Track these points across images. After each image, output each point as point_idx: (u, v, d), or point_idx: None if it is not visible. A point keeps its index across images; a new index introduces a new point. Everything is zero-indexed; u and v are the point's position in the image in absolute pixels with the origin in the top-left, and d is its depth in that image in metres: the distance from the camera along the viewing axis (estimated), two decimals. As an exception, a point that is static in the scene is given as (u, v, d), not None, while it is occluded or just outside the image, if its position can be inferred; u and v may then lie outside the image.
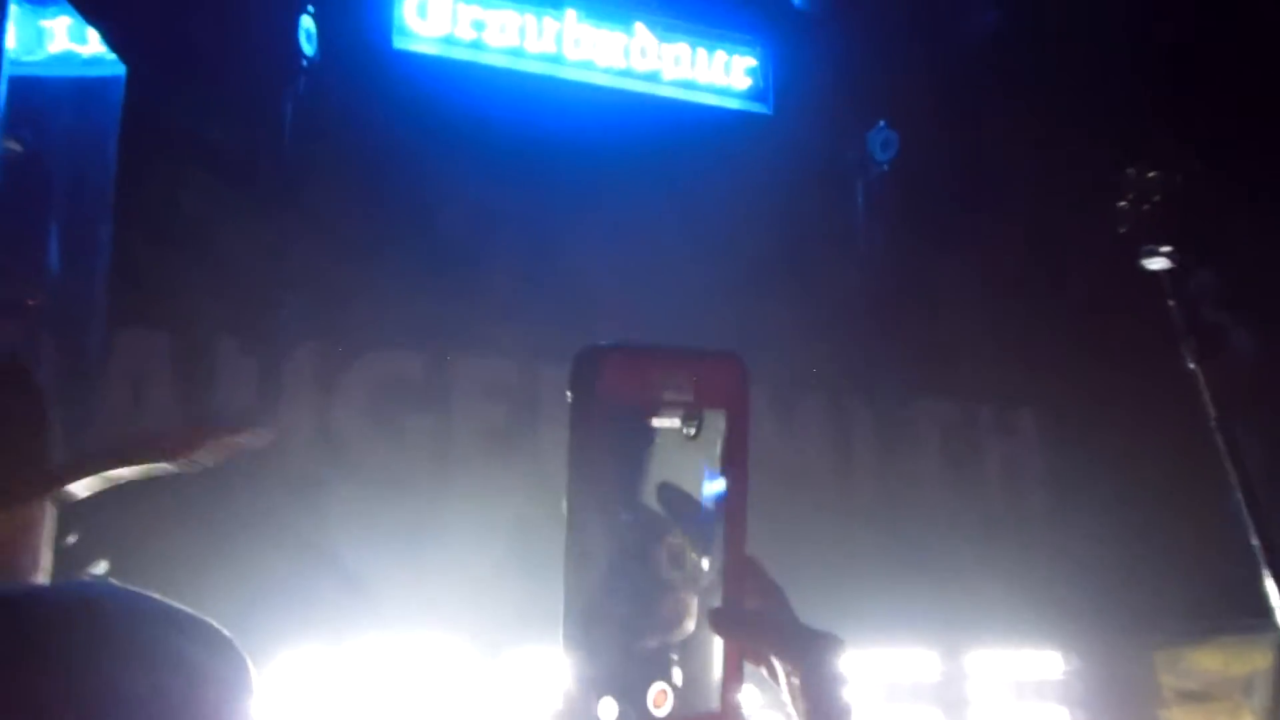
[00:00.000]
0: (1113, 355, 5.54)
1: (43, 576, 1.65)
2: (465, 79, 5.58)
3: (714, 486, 0.70)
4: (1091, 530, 5.29)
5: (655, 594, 0.67)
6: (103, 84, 4.80)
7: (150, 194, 4.46)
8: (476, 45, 5.69)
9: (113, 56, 4.80)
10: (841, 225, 6.17)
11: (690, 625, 0.68)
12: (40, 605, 0.84)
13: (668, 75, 6.11)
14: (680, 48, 6.14)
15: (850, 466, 5.82)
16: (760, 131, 6.18)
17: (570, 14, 5.87)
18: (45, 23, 5.24)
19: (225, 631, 0.87)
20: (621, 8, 6.01)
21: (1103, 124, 5.83)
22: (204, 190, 4.38)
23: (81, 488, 2.14)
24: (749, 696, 0.69)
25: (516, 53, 5.78)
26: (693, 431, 0.68)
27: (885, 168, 6.17)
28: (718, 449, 0.70)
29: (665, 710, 0.67)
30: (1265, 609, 2.16)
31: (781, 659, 0.69)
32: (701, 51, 6.19)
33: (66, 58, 5.20)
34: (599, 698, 0.64)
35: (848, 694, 0.71)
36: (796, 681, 0.69)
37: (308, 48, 4.87)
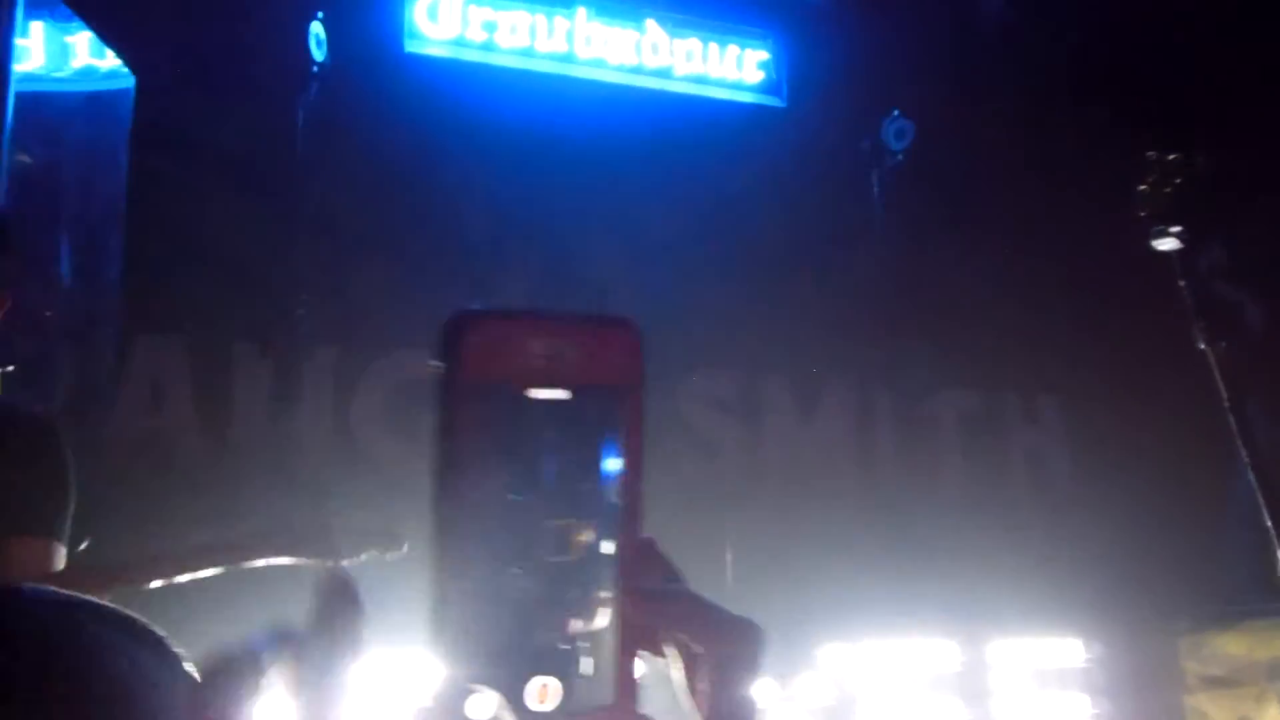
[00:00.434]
0: (1136, 343, 5.49)
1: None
2: (477, 80, 5.60)
3: (610, 464, 0.65)
4: (1114, 517, 5.25)
5: (540, 580, 0.64)
6: (114, 96, 4.86)
7: (163, 202, 4.51)
8: (488, 46, 5.71)
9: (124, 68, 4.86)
10: (858, 216, 6.15)
11: (592, 614, 0.65)
12: None
13: (680, 71, 6.11)
14: (692, 43, 6.13)
15: (872, 457, 5.80)
16: (774, 124, 6.17)
17: (581, 12, 5.88)
18: (69, 39, 5.32)
19: (157, 630, 0.87)
20: (632, 5, 6.02)
21: (1121, 108, 5.78)
22: (217, 197, 4.43)
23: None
24: (649, 687, 0.66)
25: (528, 53, 5.80)
26: (580, 405, 0.63)
27: (901, 157, 6.13)
28: (613, 423, 0.65)
29: (550, 705, 0.63)
30: (1284, 591, 2.14)
31: (698, 642, 0.65)
32: (713, 46, 6.18)
33: (88, 72, 5.28)
34: (469, 693, 0.61)
35: (758, 688, 0.67)
36: (708, 668, 0.64)
37: (318, 53, 4.91)
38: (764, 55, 6.26)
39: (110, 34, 4.83)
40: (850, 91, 6.09)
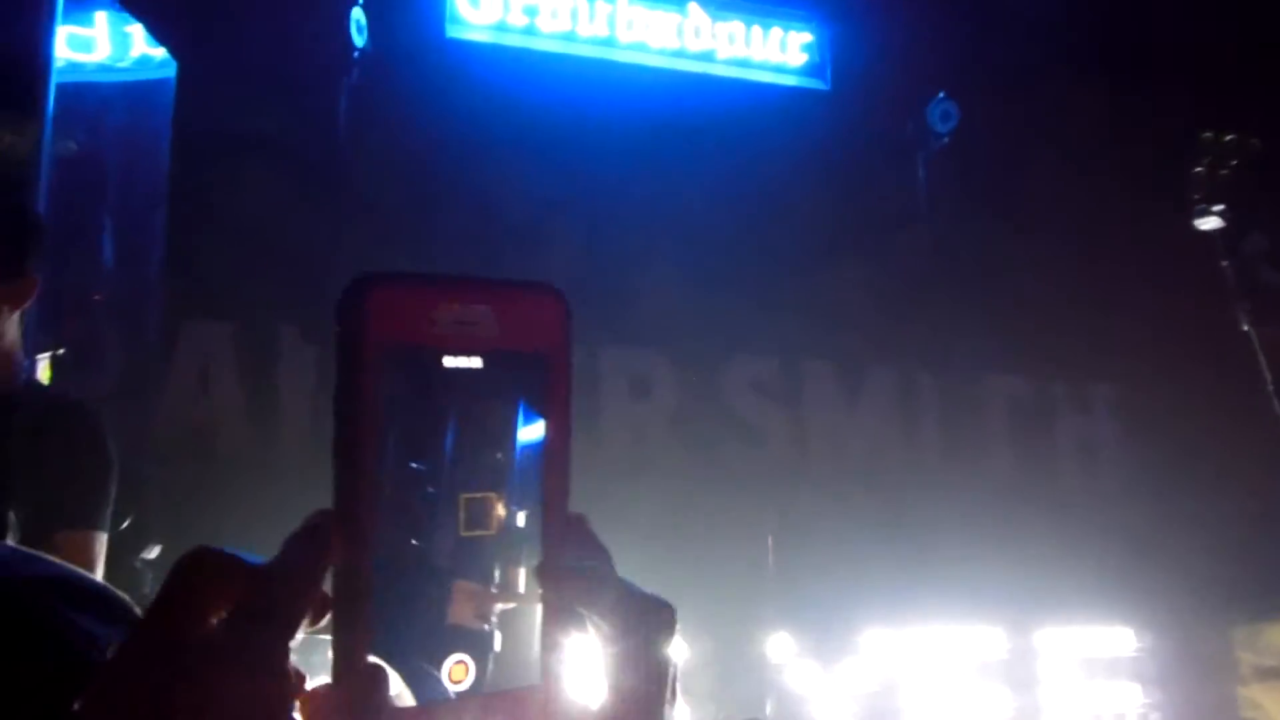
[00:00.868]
0: (1187, 331, 5.39)
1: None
2: (519, 65, 5.59)
3: (531, 433, 0.62)
4: (1167, 507, 5.16)
5: (451, 556, 0.60)
6: (157, 85, 4.90)
7: (207, 188, 4.55)
8: (529, 31, 5.70)
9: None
10: (903, 199, 6.08)
11: (510, 591, 0.63)
12: None
13: (722, 54, 6.07)
14: (734, 26, 6.09)
15: (918, 442, 5.75)
16: (819, 107, 6.11)
17: (622, -4, 5.86)
18: (128, 29, 5.36)
19: (132, 606, 0.83)
20: (674, -12, 5.99)
21: (1171, 90, 5.67)
22: (260, 182, 4.45)
23: None
24: (577, 665, 0.63)
25: (569, 37, 5.78)
26: (495, 373, 0.60)
27: (946, 139, 6.05)
28: (535, 391, 0.62)
29: (466, 684, 0.60)
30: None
31: (607, 621, 0.62)
32: (756, 29, 6.13)
33: (144, 62, 5.31)
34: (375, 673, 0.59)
35: (666, 672, 0.63)
36: (617, 649, 0.62)
37: (359, 39, 4.92)
38: (807, 38, 6.21)
39: (153, 21, 4.87)
40: (895, 74, 6.02)
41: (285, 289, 4.65)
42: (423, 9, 5.47)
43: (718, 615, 4.21)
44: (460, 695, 0.61)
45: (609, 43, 5.84)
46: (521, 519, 0.62)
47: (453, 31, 5.53)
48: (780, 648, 4.26)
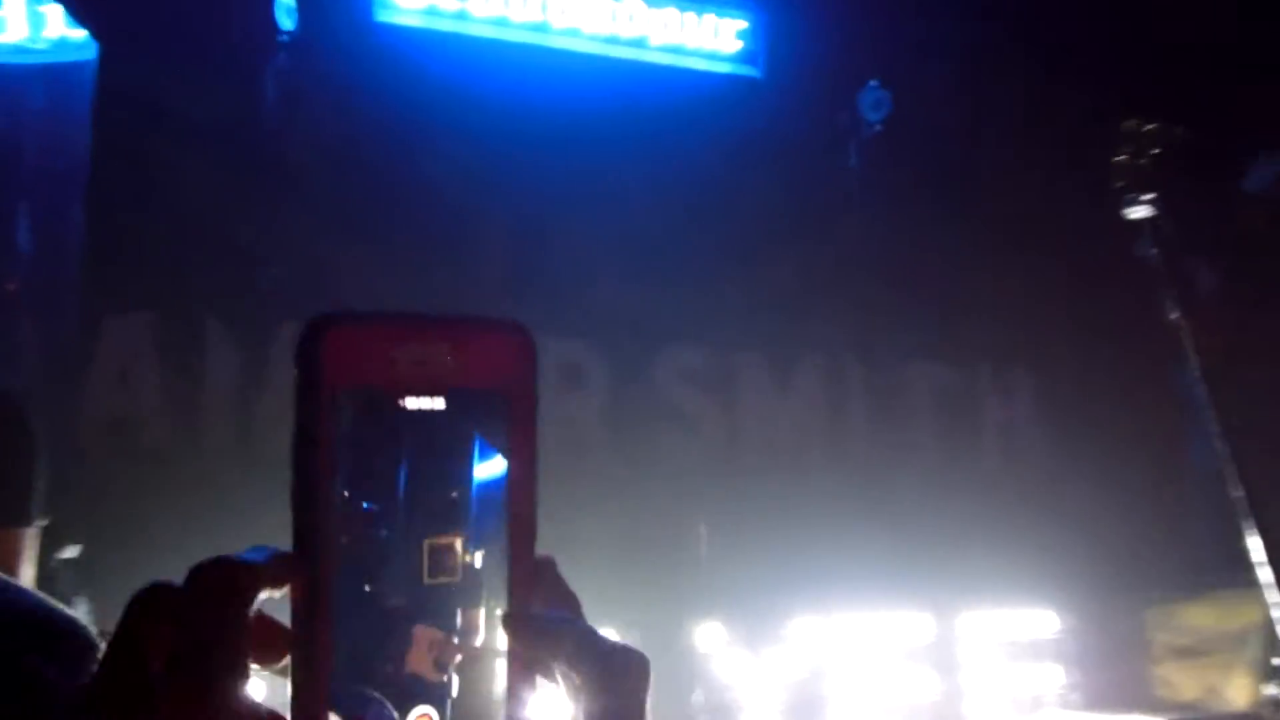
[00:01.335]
0: (1105, 318, 5.51)
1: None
2: (449, 50, 5.53)
3: (493, 473, 0.61)
4: (1085, 491, 5.29)
5: (410, 601, 0.59)
6: (77, 67, 4.78)
7: (130, 175, 4.45)
8: (460, 16, 5.64)
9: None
10: (835, 187, 6.13)
11: (472, 638, 0.62)
12: None
13: (656, 41, 6.05)
14: (668, 12, 6.07)
15: (846, 428, 5.82)
16: (752, 95, 6.12)
17: (556, -20, 5.81)
18: (42, 8, 5.20)
19: (97, 643, 0.83)
20: (607, -27, 5.95)
21: (1100, 79, 5.77)
22: (185, 169, 4.37)
23: None
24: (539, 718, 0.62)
25: (501, 22, 5.73)
26: (456, 413, 0.59)
27: (878, 128, 6.10)
28: (499, 431, 0.60)
29: None
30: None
31: (579, 674, 0.61)
32: (690, 15, 6.12)
33: (61, 44, 5.17)
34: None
35: None
36: (589, 704, 0.61)
37: (287, 22, 4.83)
38: (741, 24, 6.21)
39: (73, 2, 4.74)
40: (827, 62, 6.06)
41: (211, 279, 4.58)
42: (351, -8, 5.39)
43: (648, 605, 4.24)
44: None
45: (541, 28, 5.80)
46: (486, 562, 0.61)
47: (382, 15, 5.45)
48: (709, 637, 4.31)
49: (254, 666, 0.55)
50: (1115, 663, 4.96)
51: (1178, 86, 5.92)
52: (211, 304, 4.61)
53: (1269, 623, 4.47)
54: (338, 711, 0.56)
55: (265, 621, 0.56)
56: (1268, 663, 4.41)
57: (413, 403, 0.58)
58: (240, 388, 4.61)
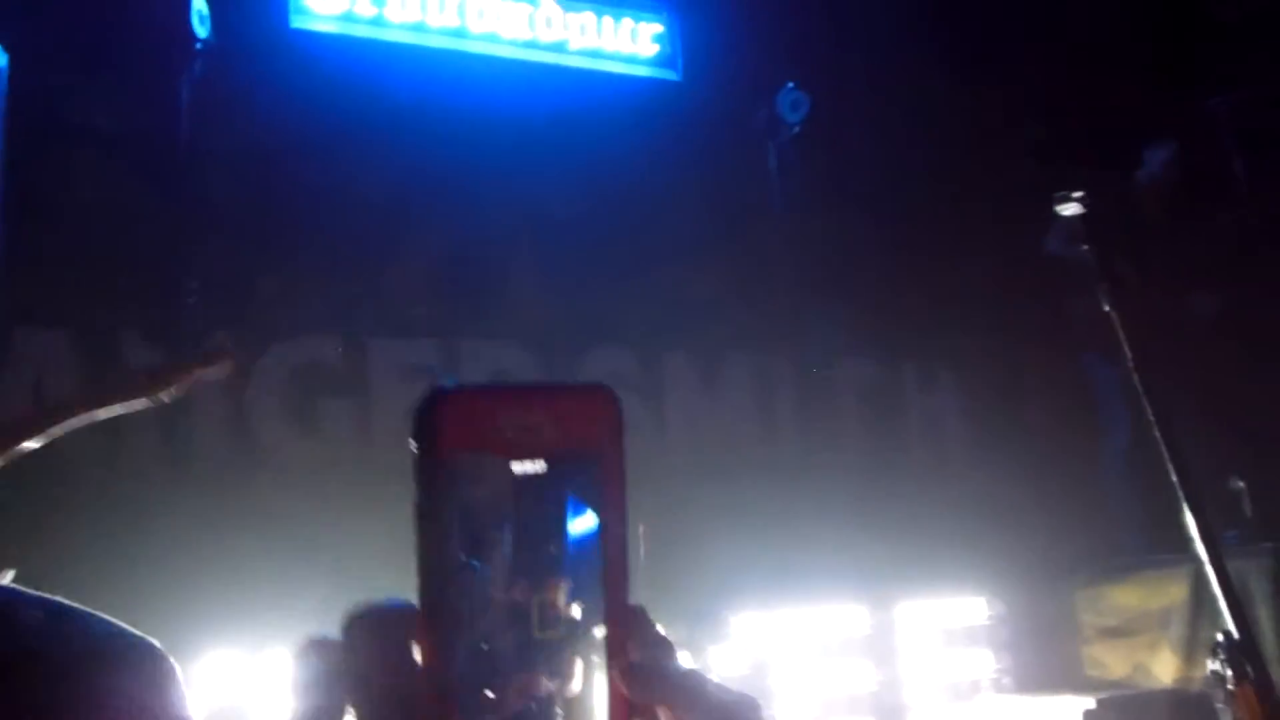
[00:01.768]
0: (1026, 311, 5.64)
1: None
2: (367, 57, 5.47)
3: (586, 527, 0.65)
4: (1011, 481, 5.40)
5: (529, 657, 0.63)
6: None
7: (41, 185, 4.31)
8: (377, 21, 5.58)
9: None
10: (755, 188, 6.18)
11: (572, 686, 0.64)
12: None
13: (574, 45, 6.06)
14: (586, 16, 6.08)
15: (774, 426, 5.87)
16: (670, 98, 6.16)
17: (473, -15, 5.78)
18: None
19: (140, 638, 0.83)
20: (525, -23, 5.94)
21: (1012, 78, 5.92)
22: (99, 179, 4.25)
23: (59, 429, 2.15)
24: None
25: (419, 28, 5.68)
26: (557, 475, 0.64)
27: (796, 129, 6.17)
28: (591, 488, 0.65)
29: None
30: (1182, 543, 2.21)
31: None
32: (607, 19, 6.14)
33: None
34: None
35: None
36: None
37: (201, 30, 4.73)
38: (658, 28, 6.25)
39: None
40: (745, 64, 6.12)
41: (126, 291, 4.46)
42: (267, -2, 5.30)
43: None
44: None
45: (459, 33, 5.76)
46: (586, 613, 0.64)
47: (298, 22, 5.37)
48: (653, 636, 4.29)
49: None
50: (1046, 645, 5.06)
51: (1080, 84, 6.11)
52: (127, 317, 4.48)
53: (1192, 600, 4.63)
54: None
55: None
56: (1193, 639, 4.54)
57: (518, 467, 0.62)
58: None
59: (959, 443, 6.04)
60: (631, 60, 6.21)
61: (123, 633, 0.83)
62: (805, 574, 4.75)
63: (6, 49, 4.38)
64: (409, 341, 5.20)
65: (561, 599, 0.64)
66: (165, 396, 2.08)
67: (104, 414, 2.30)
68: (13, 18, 4.28)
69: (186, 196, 4.67)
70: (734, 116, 6.18)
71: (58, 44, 4.37)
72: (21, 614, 0.83)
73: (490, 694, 0.62)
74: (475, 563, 0.62)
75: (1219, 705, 1.97)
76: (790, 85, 6.10)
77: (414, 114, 5.20)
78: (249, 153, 4.89)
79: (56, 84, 4.28)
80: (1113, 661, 4.90)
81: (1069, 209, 2.42)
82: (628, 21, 6.18)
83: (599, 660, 0.64)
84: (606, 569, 0.64)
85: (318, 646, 0.64)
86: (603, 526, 0.64)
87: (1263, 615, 4.26)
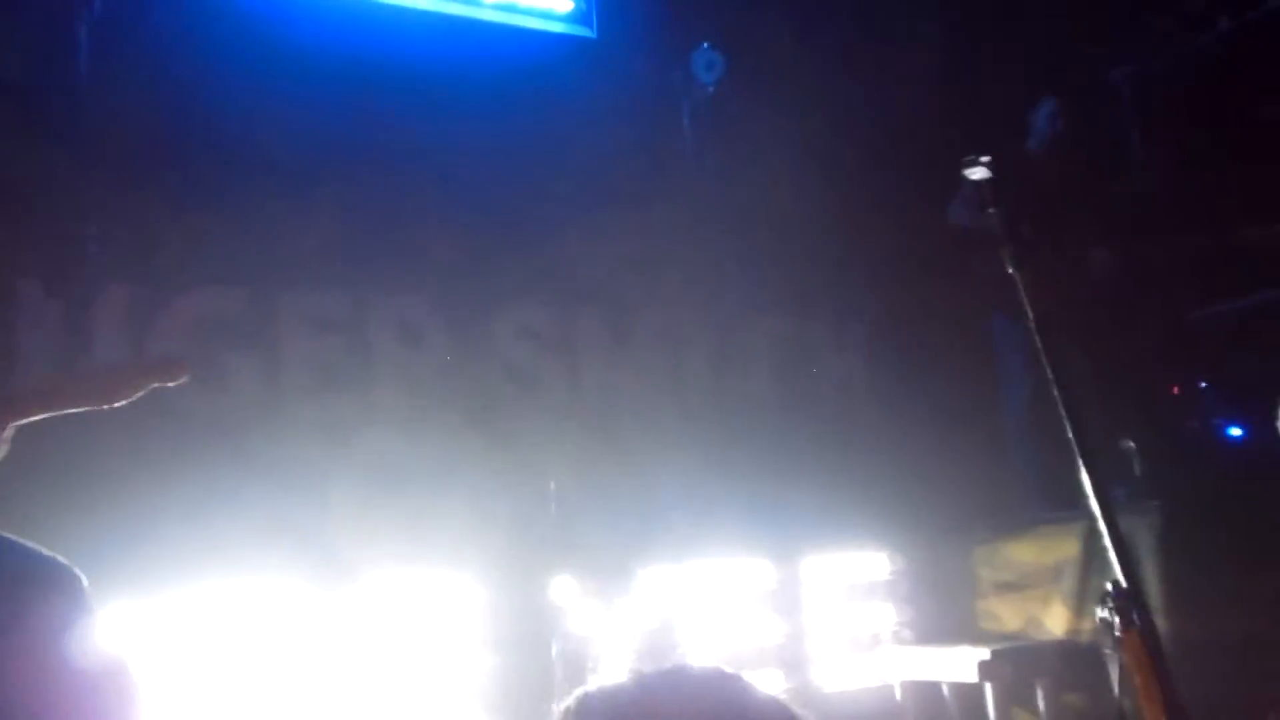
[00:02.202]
0: (931, 270, 5.75)
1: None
2: (277, 4, 5.32)
3: None
4: (914, 439, 5.52)
5: None
6: None
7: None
8: (288, -34, 5.42)
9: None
10: (670, 146, 6.19)
11: None
12: None
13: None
14: (500, -31, 5.99)
15: (684, 382, 5.90)
16: (585, 55, 6.11)
17: (387, -65, 5.65)
18: None
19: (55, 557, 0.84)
20: (440, -71, 5.82)
21: (929, 37, 6.00)
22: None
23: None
24: None
25: (331, -25, 5.54)
26: None
27: (711, 89, 6.18)
28: None
29: None
30: (1075, 501, 2.29)
31: None
32: (522, -27, 6.06)
33: None
34: None
35: None
36: None
37: (100, -32, 4.56)
38: (573, -16, 6.18)
39: None
40: (660, 23, 6.10)
41: (24, 240, 4.31)
42: (170, -63, 5.12)
43: (501, 561, 4.24)
44: None
45: (372, -18, 5.64)
46: None
47: (203, -36, 5.20)
48: (563, 591, 4.34)
49: None
50: (944, 599, 5.22)
51: (988, 49, 6.23)
52: (27, 267, 4.34)
53: (1083, 555, 4.81)
54: None
55: None
56: (1083, 592, 4.72)
57: None
58: (55, 354, 4.36)
59: (865, 401, 6.14)
60: (546, 16, 6.14)
61: (41, 555, 0.83)
62: (713, 529, 4.82)
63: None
64: (318, 295, 5.11)
65: None
66: (120, 401, 1.98)
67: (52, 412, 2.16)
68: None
69: (86, 143, 4.52)
70: (649, 75, 6.17)
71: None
72: None
73: None
74: None
75: (1106, 652, 2.06)
76: (705, 46, 6.10)
77: (326, 64, 5.09)
78: (151, 99, 4.74)
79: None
80: (1007, 615, 5.07)
81: (975, 173, 2.48)
82: (543, -25, 6.10)
83: None
84: None
85: None
86: None
87: (1148, 569, 4.45)
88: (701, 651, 4.55)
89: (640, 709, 0.92)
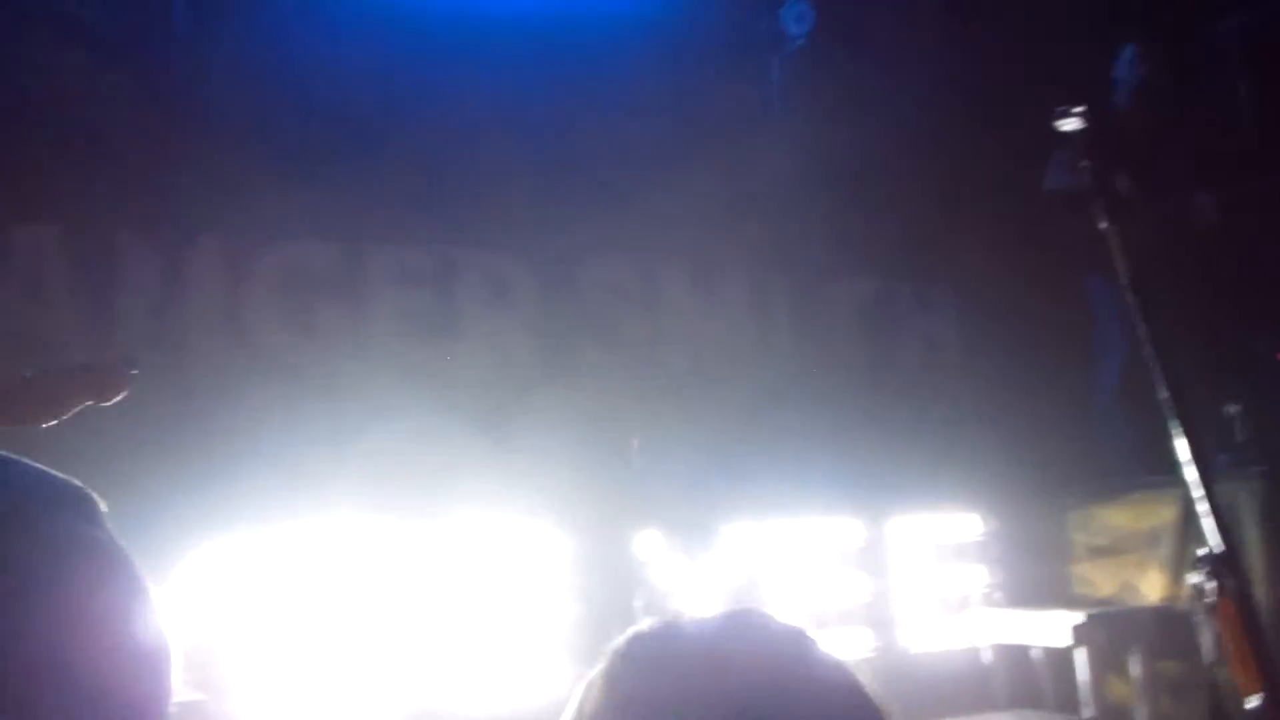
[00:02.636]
0: (1025, 231, 5.60)
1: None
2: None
3: None
4: (1006, 401, 5.41)
5: None
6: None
7: (26, 80, 4.20)
8: (375, -78, 5.41)
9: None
10: (757, 100, 6.09)
11: None
12: None
13: (583, -51, 5.90)
14: (588, -80, 5.91)
15: (770, 340, 5.84)
16: (672, 6, 6.03)
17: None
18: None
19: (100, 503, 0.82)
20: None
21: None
22: (87, 76, 4.15)
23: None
24: None
25: (417, -70, 5.52)
26: None
27: (800, 41, 6.06)
28: None
29: None
30: (1171, 465, 2.20)
31: None
32: (612, -78, 5.98)
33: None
34: None
35: None
36: None
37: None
38: (661, -65, 6.08)
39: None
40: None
41: (121, 190, 4.38)
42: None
43: (585, 516, 4.24)
44: None
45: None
46: None
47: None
48: (647, 545, 4.33)
49: None
50: (1036, 562, 5.11)
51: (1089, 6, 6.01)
52: (120, 214, 4.41)
53: (1181, 521, 4.66)
54: None
55: None
56: (1180, 559, 4.58)
57: None
58: (155, 301, 4.44)
59: (955, 361, 6.02)
60: (634, -34, 6.06)
61: (53, 476, 0.82)
62: (799, 487, 4.77)
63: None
64: (405, 248, 5.13)
65: None
66: (52, 419, 1.90)
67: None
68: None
69: (180, 96, 4.57)
70: (737, 27, 6.07)
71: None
72: None
73: None
74: None
75: (1197, 619, 1.98)
76: (795, -3, 5.98)
77: (409, 21, 5.09)
78: (243, 54, 4.78)
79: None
80: (1101, 579, 4.95)
81: (1069, 124, 2.37)
82: (633, -73, 6.02)
83: None
84: None
85: None
86: None
87: (1251, 537, 4.30)
88: (786, 609, 4.51)
89: (690, 662, 0.84)
